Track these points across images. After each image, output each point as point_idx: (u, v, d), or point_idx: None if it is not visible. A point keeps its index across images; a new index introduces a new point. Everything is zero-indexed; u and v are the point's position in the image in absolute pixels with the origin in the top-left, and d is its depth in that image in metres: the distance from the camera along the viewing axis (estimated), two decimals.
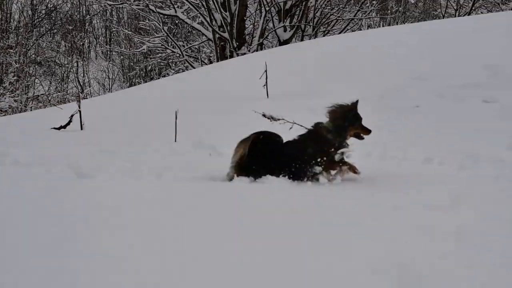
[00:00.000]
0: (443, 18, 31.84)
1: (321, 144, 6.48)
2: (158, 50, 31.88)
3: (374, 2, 31.62)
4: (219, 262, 3.71)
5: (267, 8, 25.30)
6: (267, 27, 26.69)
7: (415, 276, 3.52)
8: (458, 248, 3.97)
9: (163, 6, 28.89)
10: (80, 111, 11.13)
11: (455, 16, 31.25)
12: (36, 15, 44.66)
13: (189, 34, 35.28)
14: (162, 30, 28.31)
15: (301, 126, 7.40)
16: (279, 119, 7.41)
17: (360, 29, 31.05)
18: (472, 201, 5.08)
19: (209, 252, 3.88)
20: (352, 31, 28.18)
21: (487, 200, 5.14)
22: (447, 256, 3.81)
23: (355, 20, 29.72)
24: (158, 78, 32.50)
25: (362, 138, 6.59)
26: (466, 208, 4.84)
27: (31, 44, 41.70)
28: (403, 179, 6.20)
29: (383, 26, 33.06)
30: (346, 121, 6.51)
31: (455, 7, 32.63)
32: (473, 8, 31.15)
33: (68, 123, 10.94)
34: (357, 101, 6.65)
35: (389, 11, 35.63)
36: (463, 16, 29.45)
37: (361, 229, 4.34)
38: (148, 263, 3.69)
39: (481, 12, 31.80)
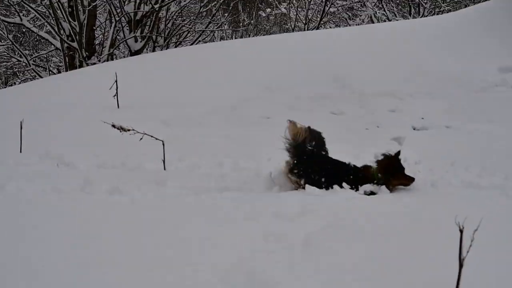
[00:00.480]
0: (292, 31, 32.58)
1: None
2: (3, 59, 30.67)
3: (226, 14, 31.89)
4: None
5: (117, 18, 24.92)
6: (118, 37, 26.30)
7: (263, 285, 3.54)
8: (306, 257, 4.03)
9: (8, 14, 27.85)
10: None
11: (304, 30, 32.06)
12: None
13: (37, 43, 34.20)
14: (7, 38, 27.26)
15: (152, 136, 7.32)
16: (129, 130, 7.30)
17: (213, 41, 31.24)
18: (318, 211, 5.18)
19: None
20: (204, 42, 28.29)
21: (335, 209, 5.27)
22: (296, 264, 3.86)
23: (207, 32, 29.86)
24: (5, 87, 31.26)
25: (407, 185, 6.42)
26: (313, 217, 4.93)
27: None
28: (256, 189, 6.25)
29: (235, 38, 33.44)
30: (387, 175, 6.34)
31: (304, 21, 33.47)
32: (321, 22, 32.06)
33: None
34: (399, 152, 6.45)
35: (241, 24, 36.09)
36: (312, 30, 30.28)
37: (211, 239, 4.32)
38: None
39: (330, 27, 32.86)
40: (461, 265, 3.45)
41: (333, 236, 4.45)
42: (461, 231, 3.46)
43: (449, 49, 15.35)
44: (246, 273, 3.72)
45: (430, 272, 3.79)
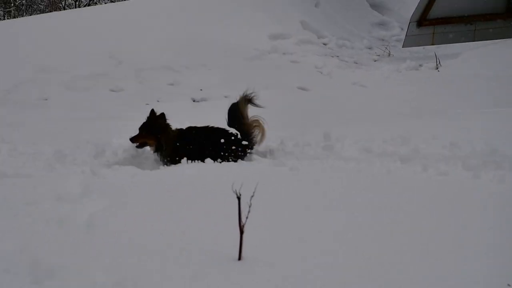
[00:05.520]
0: (64, 9, 31.77)
1: None
2: None
3: None
4: None
5: None
6: None
7: (48, 270, 3.51)
8: (89, 238, 4.03)
9: None
10: None
11: (75, 7, 31.36)
12: None
13: None
14: None
15: None
16: None
17: None
18: (103, 190, 5.17)
19: None
20: None
21: (116, 188, 5.30)
22: (79, 248, 3.85)
23: None
24: None
25: None
26: (96, 197, 4.93)
27: None
28: (38, 173, 6.11)
29: (7, 18, 31.98)
30: None
31: None
32: None
33: None
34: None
35: (12, 4, 34.54)
36: (83, 7, 29.71)
37: None
38: None
39: (105, 2, 32.39)
40: (241, 232, 3.63)
41: (116, 215, 4.48)
42: (239, 198, 3.64)
43: (219, 22, 15.72)
44: (30, 260, 3.66)
45: (216, 241, 3.94)
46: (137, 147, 7.04)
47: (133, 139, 6.99)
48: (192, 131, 7.11)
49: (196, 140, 6.97)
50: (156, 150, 6.97)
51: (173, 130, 7.07)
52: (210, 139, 6.95)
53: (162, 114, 7.06)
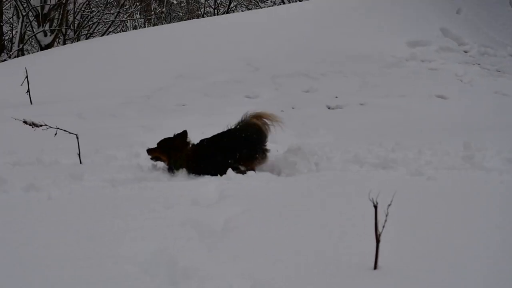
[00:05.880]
0: (202, 17, 32.51)
1: None
2: None
3: (137, 3, 31.57)
4: None
5: (24, 13, 24.34)
6: (28, 32, 25.72)
7: (185, 272, 3.56)
8: (226, 242, 4.06)
9: None
10: None
11: (213, 15, 32.01)
12: None
13: None
14: None
15: (65, 131, 7.22)
16: (41, 125, 7.17)
17: (125, 31, 30.88)
18: (239, 195, 5.23)
19: None
20: (116, 33, 27.94)
21: (252, 193, 5.32)
22: (215, 251, 3.89)
23: (117, 22, 29.49)
24: None
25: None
26: (231, 202, 4.97)
27: None
28: (173, 178, 6.24)
29: (148, 26, 33.12)
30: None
31: (213, 6, 33.42)
32: (231, 6, 32.07)
33: None
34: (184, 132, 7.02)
35: (153, 12, 35.73)
36: (222, 14, 30.26)
37: (130, 230, 4.31)
38: None
39: (241, 10, 32.91)
40: (377, 241, 3.54)
41: (251, 220, 4.49)
42: (375, 207, 3.55)
43: (356, 30, 15.62)
44: (167, 262, 3.74)
45: (349, 249, 3.86)
46: (151, 159, 7.01)
47: (148, 151, 7.01)
48: (204, 143, 6.97)
49: (208, 152, 6.82)
50: (168, 168, 6.87)
51: (189, 149, 6.91)
52: (220, 146, 6.79)
53: (184, 133, 6.97)
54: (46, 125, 7.17)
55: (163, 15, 36.72)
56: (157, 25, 32.83)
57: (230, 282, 3.48)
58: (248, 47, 14.46)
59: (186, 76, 12.86)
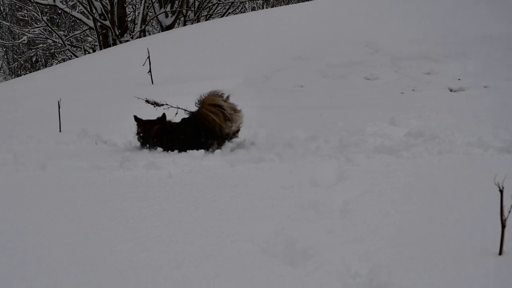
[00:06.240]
0: None
1: None
2: (39, 40, 30.94)
3: None
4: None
5: None
6: (149, 13, 26.35)
7: (302, 254, 3.55)
8: (345, 224, 4.02)
9: None
10: None
11: None
12: None
13: (73, 23, 34.44)
14: (42, 20, 27.45)
15: (185, 110, 7.33)
16: (162, 105, 7.34)
17: (244, 12, 31.10)
18: (357, 176, 5.17)
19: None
20: (235, 14, 28.17)
21: (370, 175, 5.24)
22: (334, 233, 3.85)
23: (236, 3, 29.73)
24: (44, 68, 31.56)
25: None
26: (350, 184, 4.92)
27: None
28: (287, 157, 6.22)
29: (266, 8, 33.23)
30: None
31: None
32: None
33: None
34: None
35: None
36: None
37: (249, 210, 4.33)
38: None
39: None
40: (503, 226, 3.41)
41: (371, 202, 4.42)
42: (501, 191, 3.42)
43: (477, 9, 15.11)
44: (286, 242, 3.73)
45: (473, 234, 3.74)
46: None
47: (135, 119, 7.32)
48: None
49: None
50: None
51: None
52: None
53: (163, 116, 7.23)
54: (167, 104, 7.33)
55: None
56: (275, 6, 32.91)
57: (349, 264, 3.43)
58: (367, 28, 14.25)
59: (305, 57, 12.82)
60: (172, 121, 7.23)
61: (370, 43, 13.23)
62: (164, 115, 7.20)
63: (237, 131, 7.19)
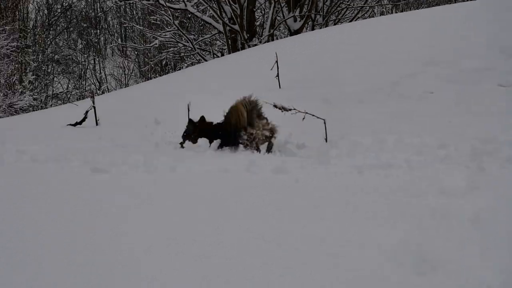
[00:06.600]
0: (455, 2, 31.56)
1: None
2: (170, 44, 31.86)
3: None
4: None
5: None
6: (278, 17, 26.59)
7: (431, 264, 3.49)
8: (476, 234, 3.92)
9: (173, 0, 28.86)
10: (94, 107, 11.10)
11: (466, 0, 30.95)
12: (52, 14, 45.05)
13: (202, 27, 35.27)
14: (173, 24, 28.26)
15: (313, 116, 7.36)
16: (290, 109, 7.40)
17: (372, 17, 30.84)
18: (489, 186, 5.02)
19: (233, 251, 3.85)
20: (363, 18, 27.98)
21: (504, 184, 5.08)
22: (465, 243, 3.76)
23: (366, 7, 29.53)
24: (173, 72, 32.49)
25: None
26: (482, 193, 4.79)
27: (48, 43, 42.11)
28: (416, 164, 6.12)
29: (396, 12, 32.80)
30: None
31: None
32: None
33: (84, 119, 10.92)
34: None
35: None
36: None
37: (376, 217, 4.30)
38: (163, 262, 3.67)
39: None
40: None
41: (503, 213, 4.29)
42: None
43: None
44: (413, 251, 3.67)
45: None
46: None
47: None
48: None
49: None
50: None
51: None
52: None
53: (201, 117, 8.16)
54: (295, 109, 7.38)
55: (411, 0, 36.21)
56: (404, 11, 32.44)
57: (481, 276, 3.34)
58: (501, 33, 13.78)
59: (435, 62, 12.55)
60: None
61: (504, 48, 12.77)
62: (201, 117, 8.16)
63: (270, 137, 7.55)
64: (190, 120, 8.25)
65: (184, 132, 8.17)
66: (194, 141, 8.02)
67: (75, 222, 4.42)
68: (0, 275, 3.54)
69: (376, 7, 32.70)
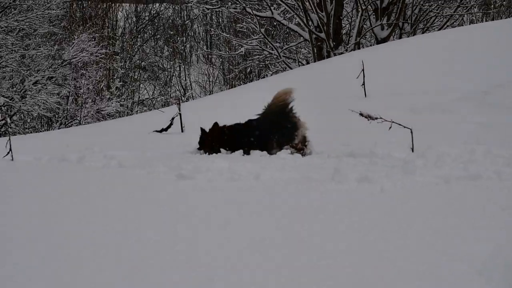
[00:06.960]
0: None
1: None
2: (256, 52, 32.06)
3: None
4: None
5: (364, 7, 25.02)
6: (364, 26, 26.41)
7: None
8: None
9: (260, 8, 29.02)
10: (180, 114, 11.23)
11: None
12: (140, 21, 46.06)
13: (287, 35, 35.37)
14: (260, 32, 28.42)
15: (400, 125, 7.25)
16: (376, 118, 7.30)
17: (462, 25, 30.27)
18: None
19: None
20: (453, 27, 27.48)
21: None
22: None
23: (455, 16, 29.00)
24: (257, 79, 32.70)
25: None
26: None
27: (136, 50, 43.08)
28: (507, 176, 5.94)
29: (486, 21, 32.10)
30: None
31: None
32: None
33: (169, 126, 11.06)
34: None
35: (492, 6, 34.53)
36: None
37: (464, 229, 4.18)
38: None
39: None
40: None
41: None
42: None
43: None
44: (504, 265, 3.55)
45: None
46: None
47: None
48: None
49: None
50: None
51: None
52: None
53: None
54: (381, 118, 7.28)
55: (502, 8, 35.39)
56: (495, 19, 31.70)
57: None
58: None
59: None
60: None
61: None
62: (214, 124, 8.51)
63: (302, 142, 7.85)
64: (201, 130, 8.45)
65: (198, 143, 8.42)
66: (210, 151, 8.19)
67: (176, 228, 4.46)
68: (112, 271, 3.60)
69: (465, 15, 32.08)
